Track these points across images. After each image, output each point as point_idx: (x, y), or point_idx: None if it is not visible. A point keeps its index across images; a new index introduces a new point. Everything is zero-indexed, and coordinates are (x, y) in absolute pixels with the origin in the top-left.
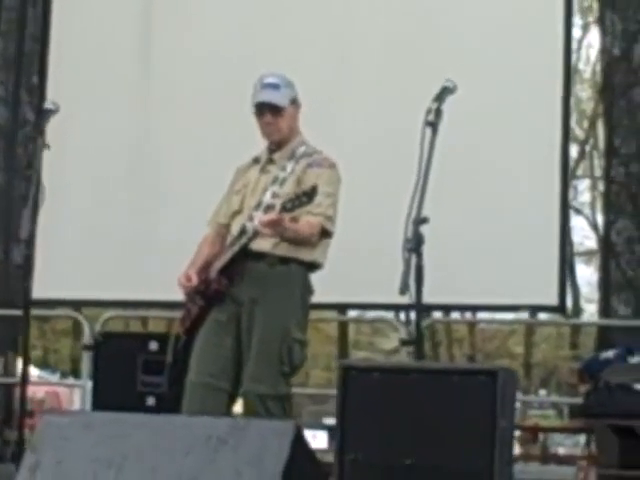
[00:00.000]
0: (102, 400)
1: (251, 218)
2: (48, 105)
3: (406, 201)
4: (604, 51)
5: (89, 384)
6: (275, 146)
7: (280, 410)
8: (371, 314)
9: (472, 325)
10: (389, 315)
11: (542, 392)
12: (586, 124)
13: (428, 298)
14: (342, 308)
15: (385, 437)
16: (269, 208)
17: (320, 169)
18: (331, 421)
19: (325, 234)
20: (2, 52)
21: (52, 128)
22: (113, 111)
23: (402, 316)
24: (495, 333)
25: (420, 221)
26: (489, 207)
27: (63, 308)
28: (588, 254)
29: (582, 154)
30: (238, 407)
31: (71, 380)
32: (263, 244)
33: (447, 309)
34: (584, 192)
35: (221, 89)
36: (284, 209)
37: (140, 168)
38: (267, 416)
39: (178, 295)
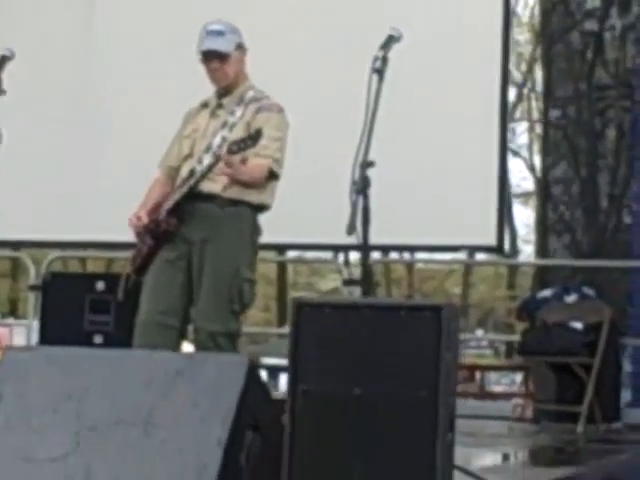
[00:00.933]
0: (49, 339)
1: (200, 161)
2: (4, 52)
3: (350, 145)
4: None
5: (35, 323)
6: (223, 91)
7: (230, 347)
8: (310, 255)
9: (410, 265)
10: (327, 256)
11: (479, 332)
12: (524, 67)
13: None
14: (281, 249)
15: (336, 369)
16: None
17: (269, 113)
18: (270, 361)
19: (273, 176)
20: None
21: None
22: (58, 57)
23: (341, 257)
24: (433, 274)
25: (367, 164)
26: (428, 149)
27: (3, 249)
28: (525, 195)
29: (520, 97)
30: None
31: (13, 320)
32: (213, 186)
33: (386, 249)
34: (522, 134)
35: (167, 34)
36: (230, 152)
37: (83, 112)
38: (217, 352)
39: (118, 236)
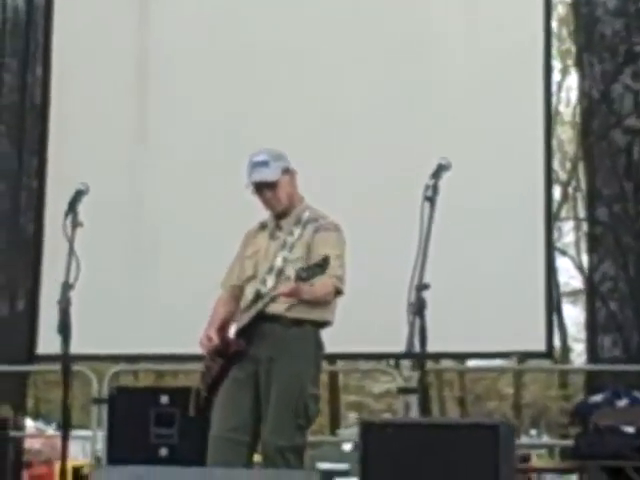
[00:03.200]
0: (117, 452)
1: (264, 282)
2: (79, 186)
3: (399, 265)
4: (583, 93)
5: (99, 435)
6: (280, 214)
7: (297, 460)
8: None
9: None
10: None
11: (532, 432)
12: (568, 165)
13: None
14: (333, 358)
15: None
16: (281, 271)
17: (327, 233)
18: (325, 465)
19: (338, 293)
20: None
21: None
22: (111, 176)
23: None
24: (484, 374)
25: (422, 287)
26: (477, 254)
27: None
28: (574, 294)
29: (565, 195)
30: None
31: (80, 432)
32: (277, 307)
33: (439, 357)
34: (568, 233)
35: (216, 157)
36: (299, 278)
37: (138, 231)
38: (285, 466)
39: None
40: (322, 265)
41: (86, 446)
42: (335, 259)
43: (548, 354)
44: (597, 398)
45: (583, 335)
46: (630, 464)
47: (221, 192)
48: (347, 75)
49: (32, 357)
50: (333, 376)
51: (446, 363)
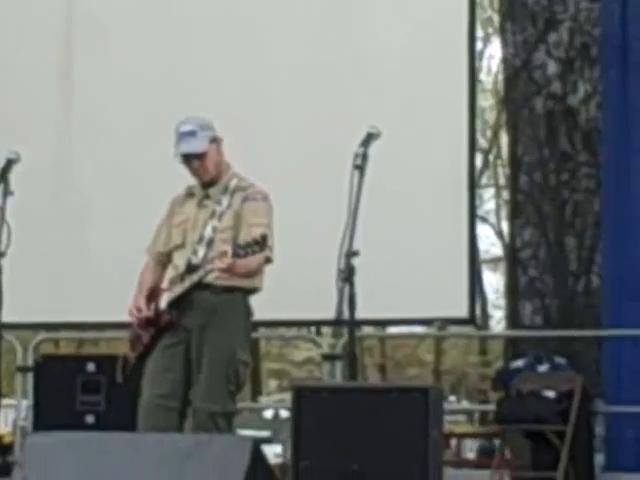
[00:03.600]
0: (42, 419)
1: (195, 252)
2: (10, 155)
3: (328, 233)
4: (505, 61)
5: (24, 403)
6: (208, 183)
7: (227, 426)
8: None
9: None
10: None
11: (452, 398)
12: (489, 133)
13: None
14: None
15: (334, 447)
16: (211, 241)
17: (256, 202)
18: (246, 432)
19: (268, 261)
20: None
21: None
22: (38, 142)
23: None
24: (405, 341)
25: (352, 254)
26: (400, 222)
27: None
28: (494, 261)
29: (486, 163)
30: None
31: (3, 401)
32: (208, 276)
33: (363, 324)
34: (489, 200)
35: (145, 123)
36: (237, 255)
37: (65, 197)
38: (216, 431)
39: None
40: (260, 243)
41: (8, 416)
42: (265, 229)
43: (471, 320)
44: (519, 363)
45: (502, 302)
46: (551, 428)
47: (149, 158)
48: (276, 43)
49: None
50: (254, 343)
51: (367, 330)
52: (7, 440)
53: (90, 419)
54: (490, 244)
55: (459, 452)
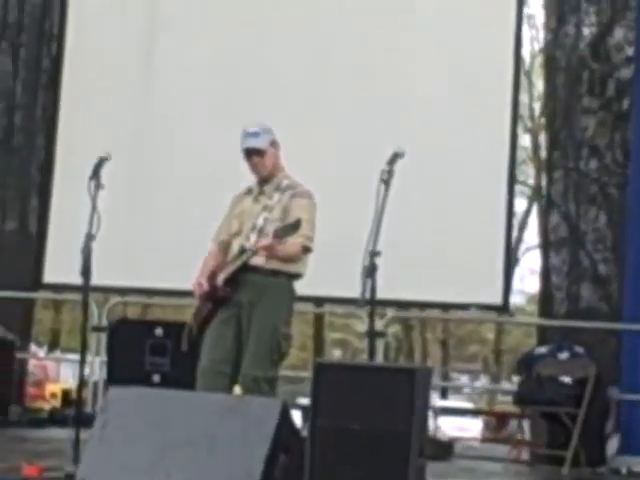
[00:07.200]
0: (115, 376)
1: (248, 238)
2: (103, 154)
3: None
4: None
5: (97, 360)
6: (263, 180)
7: (270, 389)
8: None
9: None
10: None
11: (515, 378)
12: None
13: (392, 295)
14: (319, 301)
15: (343, 412)
16: (262, 230)
17: (301, 199)
18: (304, 401)
19: (306, 250)
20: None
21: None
22: (116, 124)
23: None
24: (468, 318)
25: (375, 254)
26: (442, 211)
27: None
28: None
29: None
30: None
31: (70, 356)
32: (258, 259)
33: (409, 305)
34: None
35: (215, 130)
36: (276, 235)
37: (140, 174)
38: (260, 394)
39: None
40: (295, 226)
41: (75, 370)
42: (306, 222)
43: (504, 307)
44: (542, 350)
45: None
46: (564, 410)
47: (218, 160)
48: (332, 63)
49: (39, 285)
50: (319, 316)
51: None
52: (74, 394)
53: (156, 378)
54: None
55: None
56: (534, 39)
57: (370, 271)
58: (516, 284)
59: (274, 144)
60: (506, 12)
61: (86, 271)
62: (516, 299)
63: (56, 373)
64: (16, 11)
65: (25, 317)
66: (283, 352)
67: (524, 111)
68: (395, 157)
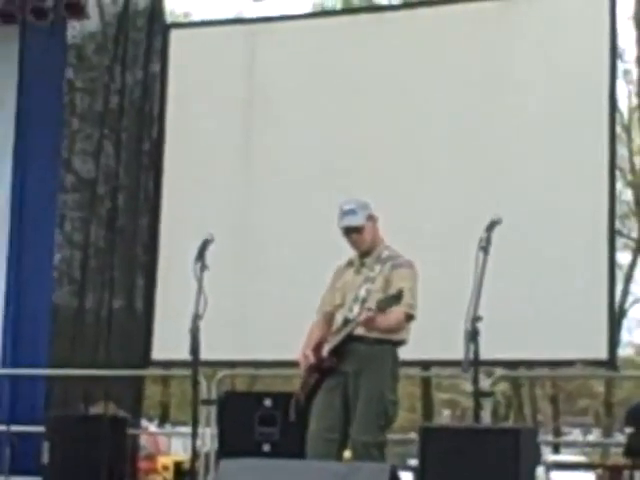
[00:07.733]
0: (226, 447)
1: (351, 309)
2: (207, 236)
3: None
4: None
5: (207, 432)
6: (364, 253)
7: (379, 454)
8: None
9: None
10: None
11: (628, 430)
12: None
13: (498, 354)
14: (426, 365)
15: (449, 474)
16: (364, 301)
17: (403, 269)
18: (414, 462)
19: (409, 318)
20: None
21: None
22: (217, 203)
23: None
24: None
25: (476, 319)
26: (544, 276)
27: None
28: None
29: None
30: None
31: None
32: (362, 329)
33: (516, 365)
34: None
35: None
36: (379, 308)
37: (246, 251)
38: (370, 459)
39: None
40: (397, 297)
41: (186, 443)
42: (408, 290)
43: (610, 362)
44: None
45: None
46: None
47: (319, 236)
48: (427, 131)
49: (148, 362)
50: (427, 378)
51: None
52: (185, 466)
53: (266, 447)
54: None
55: None
56: (632, 94)
57: (472, 335)
58: (624, 336)
59: (371, 218)
60: (600, 68)
61: (195, 350)
62: (625, 351)
63: (167, 446)
64: (117, 97)
65: (135, 394)
66: (390, 417)
67: (624, 164)
68: (493, 225)
